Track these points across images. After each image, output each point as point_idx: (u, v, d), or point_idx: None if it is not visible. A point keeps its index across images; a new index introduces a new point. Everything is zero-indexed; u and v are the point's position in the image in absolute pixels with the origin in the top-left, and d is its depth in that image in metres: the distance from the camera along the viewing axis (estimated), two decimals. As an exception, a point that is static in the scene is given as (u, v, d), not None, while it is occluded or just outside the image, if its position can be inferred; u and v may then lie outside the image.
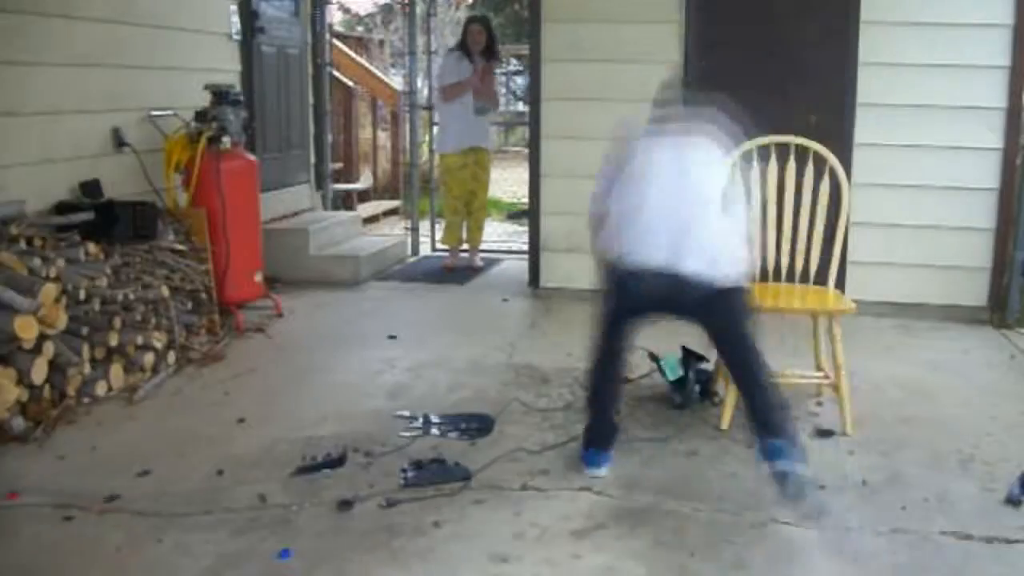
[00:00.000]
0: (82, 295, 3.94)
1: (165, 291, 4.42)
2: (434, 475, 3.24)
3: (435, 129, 7.52)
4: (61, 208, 4.42)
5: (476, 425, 3.69)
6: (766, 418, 3.14)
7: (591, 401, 3.45)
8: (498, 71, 7.25)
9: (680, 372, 4.03)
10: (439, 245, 7.37)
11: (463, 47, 6.69)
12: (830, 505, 3.00)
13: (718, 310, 3.21)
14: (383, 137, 11.17)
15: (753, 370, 3.21)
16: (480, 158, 6.76)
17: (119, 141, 4.98)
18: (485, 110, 6.74)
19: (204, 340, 4.73)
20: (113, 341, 4.05)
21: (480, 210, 6.91)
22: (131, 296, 4.21)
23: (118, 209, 4.45)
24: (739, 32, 5.51)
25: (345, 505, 3.01)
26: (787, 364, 4.26)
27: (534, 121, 5.78)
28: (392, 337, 4.99)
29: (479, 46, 6.64)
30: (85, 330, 3.91)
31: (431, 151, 8.40)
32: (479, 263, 6.89)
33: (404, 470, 3.25)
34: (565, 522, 2.93)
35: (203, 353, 4.59)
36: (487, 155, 6.89)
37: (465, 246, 6.96)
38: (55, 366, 3.73)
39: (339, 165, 8.61)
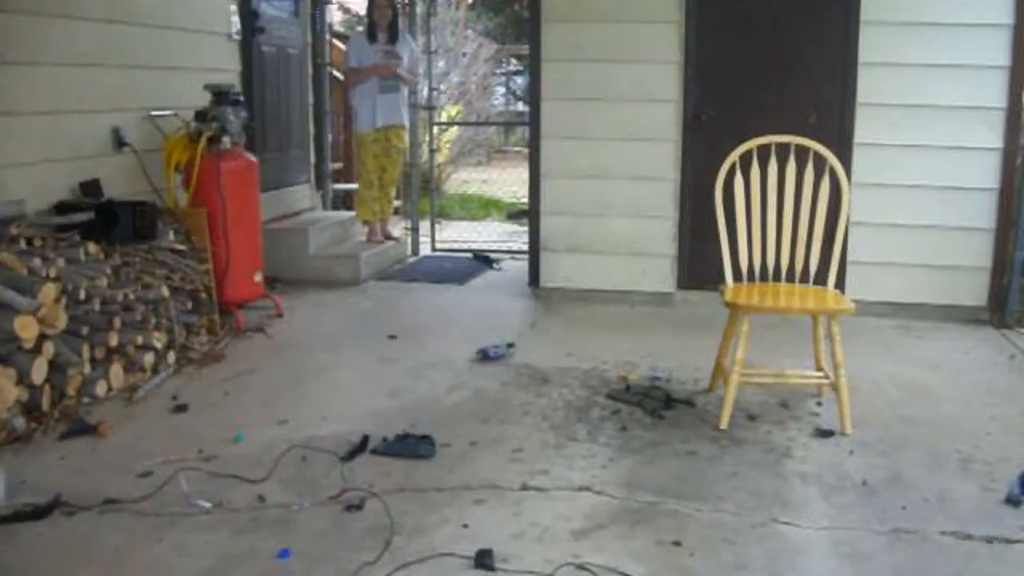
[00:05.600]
0: (82, 295, 3.94)
1: (165, 291, 4.42)
2: (400, 448, 3.41)
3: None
4: (61, 208, 4.42)
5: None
6: None
7: None
8: (418, 50, 7.06)
9: None
10: (358, 216, 7.19)
11: (369, 24, 6.68)
12: None
13: None
14: (383, 137, 11.15)
15: None
16: (392, 134, 6.77)
17: (119, 141, 4.98)
18: (393, 88, 6.69)
19: (204, 340, 4.73)
20: (113, 341, 4.05)
21: (389, 184, 6.94)
22: (131, 296, 4.21)
23: (118, 209, 4.45)
24: (739, 32, 5.51)
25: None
26: (787, 364, 4.28)
27: (534, 121, 5.78)
28: (392, 337, 4.99)
29: (385, 20, 6.61)
30: (85, 330, 3.91)
31: (431, 151, 8.41)
32: (392, 234, 7.08)
33: (374, 450, 3.43)
34: (565, 522, 2.93)
35: (203, 353, 4.59)
36: (402, 132, 6.92)
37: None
38: (55, 366, 3.73)
39: (339, 165, 8.61)
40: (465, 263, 7.05)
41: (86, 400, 3.89)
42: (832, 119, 5.34)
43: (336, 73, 8.12)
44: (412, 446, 3.44)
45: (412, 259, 7.28)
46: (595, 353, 4.64)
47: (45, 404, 3.70)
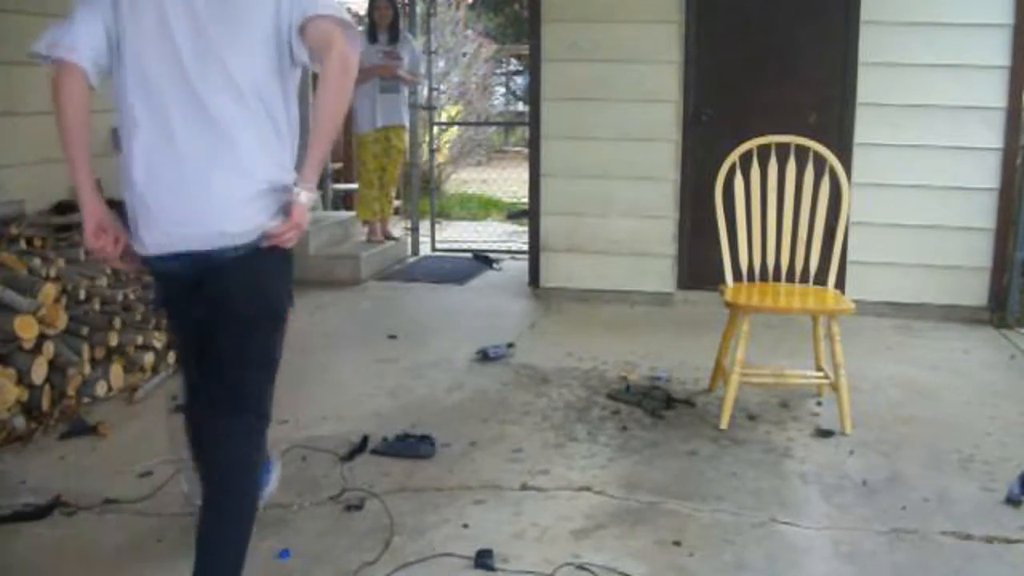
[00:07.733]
0: (82, 295, 3.94)
1: (165, 291, 4.42)
2: (400, 448, 3.42)
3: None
4: (61, 208, 4.42)
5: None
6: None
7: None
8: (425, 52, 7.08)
9: None
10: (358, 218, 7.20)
11: (370, 24, 6.69)
12: None
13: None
14: (383, 137, 11.16)
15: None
16: (392, 134, 6.77)
17: (119, 141, 4.97)
18: (393, 88, 6.68)
19: (204, 340, 4.72)
20: (113, 341, 4.05)
21: (389, 184, 6.95)
22: (131, 296, 4.21)
23: (118, 209, 4.44)
24: (739, 32, 5.51)
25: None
26: (787, 364, 4.28)
27: (534, 121, 5.79)
28: (392, 337, 4.99)
29: (386, 20, 6.62)
30: (85, 330, 3.91)
31: (431, 151, 8.41)
32: (392, 234, 7.09)
33: (374, 450, 3.44)
34: (565, 522, 2.93)
35: (203, 353, 4.59)
36: (402, 132, 6.92)
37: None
38: (55, 366, 3.73)
39: (339, 165, 8.61)
40: (465, 263, 7.05)
41: (86, 400, 3.89)
42: (832, 119, 5.34)
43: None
44: (412, 446, 3.45)
45: (412, 259, 7.28)
46: (595, 353, 4.64)
47: (45, 404, 3.70)
